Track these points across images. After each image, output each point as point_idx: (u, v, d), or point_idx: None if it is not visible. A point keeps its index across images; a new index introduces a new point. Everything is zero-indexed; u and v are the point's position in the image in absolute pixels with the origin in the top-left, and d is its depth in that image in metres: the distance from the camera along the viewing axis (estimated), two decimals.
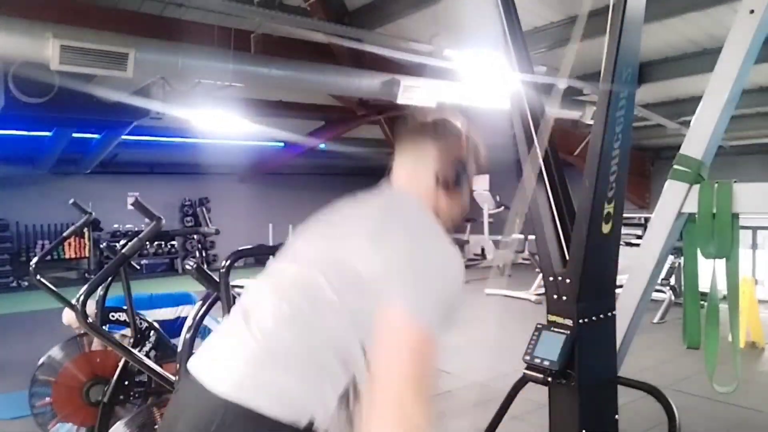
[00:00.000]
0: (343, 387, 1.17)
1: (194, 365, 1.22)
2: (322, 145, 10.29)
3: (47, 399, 3.17)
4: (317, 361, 1.15)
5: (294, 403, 1.11)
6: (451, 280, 1.20)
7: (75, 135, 8.69)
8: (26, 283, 9.70)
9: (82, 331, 3.38)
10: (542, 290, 4.81)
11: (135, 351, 2.65)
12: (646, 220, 7.64)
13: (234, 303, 2.50)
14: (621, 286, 2.28)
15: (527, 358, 1.93)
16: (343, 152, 10.40)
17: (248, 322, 1.21)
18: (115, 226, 10.83)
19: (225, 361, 1.19)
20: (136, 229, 10.27)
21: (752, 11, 2.16)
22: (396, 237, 1.22)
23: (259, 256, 2.23)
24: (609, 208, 1.89)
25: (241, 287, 2.89)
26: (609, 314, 1.99)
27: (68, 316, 3.47)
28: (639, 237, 7.05)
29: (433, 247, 1.24)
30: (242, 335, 1.20)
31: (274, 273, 1.32)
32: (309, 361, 1.15)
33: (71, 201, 3.80)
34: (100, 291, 3.08)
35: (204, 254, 11.89)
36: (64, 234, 3.95)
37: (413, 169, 1.40)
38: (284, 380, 1.13)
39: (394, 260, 1.17)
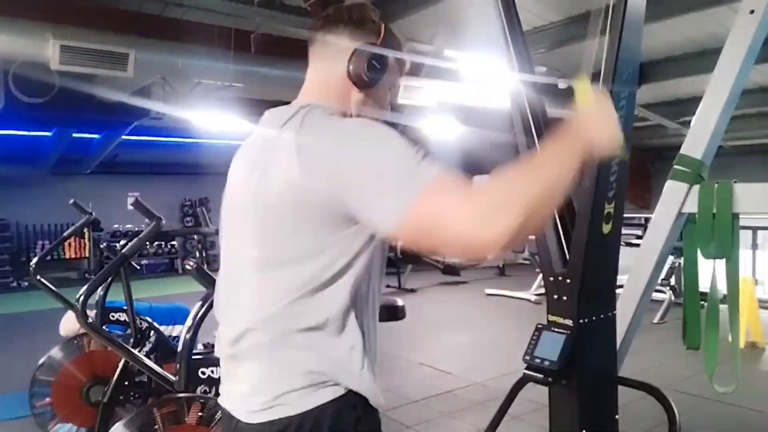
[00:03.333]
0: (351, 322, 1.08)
1: (221, 401, 1.21)
2: None
3: (47, 399, 3.17)
4: (301, 327, 1.07)
5: (312, 379, 1.07)
6: (390, 139, 1.02)
7: (75, 135, 8.69)
8: (26, 284, 9.70)
9: (80, 333, 3.38)
10: (542, 290, 4.79)
11: (135, 351, 2.65)
12: (647, 220, 7.63)
13: None
14: (621, 287, 2.28)
15: (527, 358, 1.92)
16: None
17: (222, 341, 1.20)
18: (116, 226, 10.83)
19: (234, 388, 1.17)
20: (137, 229, 10.26)
21: (752, 11, 2.16)
22: (320, 146, 1.04)
23: None
24: (609, 209, 1.89)
25: None
26: (609, 314, 1.99)
27: (66, 327, 3.46)
28: (639, 237, 7.05)
29: (357, 130, 1.07)
30: (227, 356, 1.19)
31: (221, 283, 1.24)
32: (294, 336, 1.08)
33: (71, 201, 3.80)
34: (100, 291, 3.08)
35: (204, 254, 11.85)
36: (65, 234, 3.96)
37: (324, 68, 1.21)
38: (282, 375, 1.09)
39: (336, 172, 1.00)
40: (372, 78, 1.17)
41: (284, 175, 1.04)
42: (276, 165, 1.07)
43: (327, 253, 1.05)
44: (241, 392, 1.14)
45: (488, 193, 0.93)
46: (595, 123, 1.04)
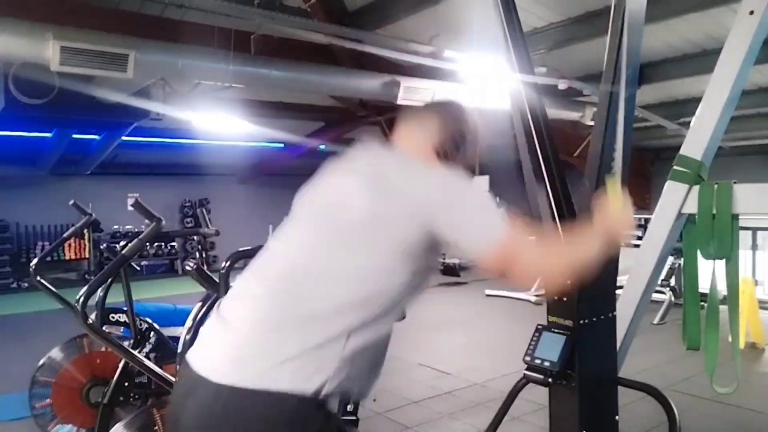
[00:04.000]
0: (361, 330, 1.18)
1: (191, 356, 1.24)
2: (322, 146, 10.29)
3: (47, 400, 3.17)
4: (320, 316, 1.17)
5: (297, 371, 1.12)
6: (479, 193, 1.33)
7: (75, 136, 8.70)
8: (26, 285, 9.69)
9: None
10: (542, 291, 4.78)
11: (135, 352, 2.65)
12: (646, 221, 7.62)
13: None
14: (621, 287, 2.28)
15: (527, 358, 1.92)
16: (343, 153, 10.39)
17: (244, 302, 1.26)
18: (116, 227, 10.82)
19: (220, 347, 1.21)
20: (136, 230, 10.26)
21: (752, 12, 2.16)
22: (423, 176, 1.33)
23: None
24: None
25: None
26: (609, 315, 1.99)
27: None
28: (639, 238, 7.04)
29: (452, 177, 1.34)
30: (238, 316, 1.23)
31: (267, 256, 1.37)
32: (310, 319, 1.16)
33: (71, 202, 3.80)
34: (100, 292, 3.07)
35: (204, 255, 11.87)
36: (65, 235, 3.95)
37: (415, 138, 1.47)
38: (282, 350, 1.13)
39: (430, 193, 1.27)
40: (456, 154, 1.48)
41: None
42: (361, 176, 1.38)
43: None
44: None
45: (551, 253, 1.37)
46: (622, 219, 1.49)
